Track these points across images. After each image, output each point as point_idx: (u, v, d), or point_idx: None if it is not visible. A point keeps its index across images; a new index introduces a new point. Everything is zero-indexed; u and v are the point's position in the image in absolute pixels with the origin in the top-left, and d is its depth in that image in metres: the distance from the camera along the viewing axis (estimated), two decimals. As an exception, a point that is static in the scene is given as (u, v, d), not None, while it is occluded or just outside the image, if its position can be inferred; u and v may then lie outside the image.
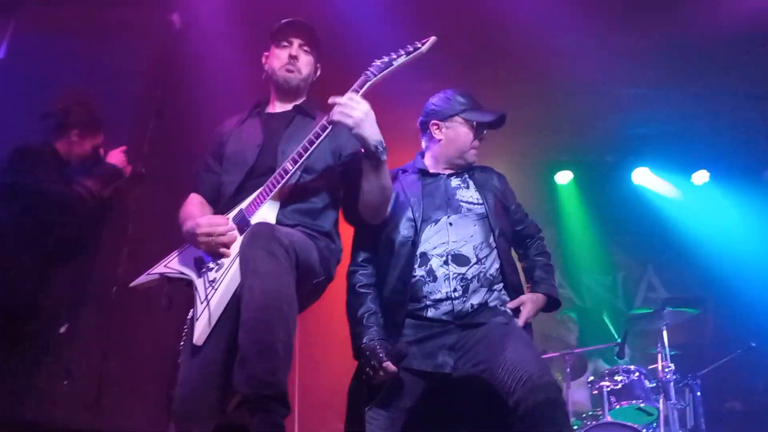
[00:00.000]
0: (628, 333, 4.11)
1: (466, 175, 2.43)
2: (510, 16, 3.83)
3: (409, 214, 2.25)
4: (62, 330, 3.01)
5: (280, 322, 1.66)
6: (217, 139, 2.29)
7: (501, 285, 2.23)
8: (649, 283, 5.71)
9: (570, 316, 4.91)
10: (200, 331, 1.88)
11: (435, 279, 2.16)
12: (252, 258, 1.72)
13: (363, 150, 1.98)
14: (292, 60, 2.21)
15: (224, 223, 1.97)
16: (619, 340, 4.07)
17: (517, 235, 2.46)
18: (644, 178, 5.68)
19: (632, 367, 3.96)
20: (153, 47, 3.38)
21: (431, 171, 2.40)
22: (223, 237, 1.95)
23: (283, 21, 2.24)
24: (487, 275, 2.20)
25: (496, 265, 2.23)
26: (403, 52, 1.99)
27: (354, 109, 1.91)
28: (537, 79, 4.42)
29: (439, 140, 2.41)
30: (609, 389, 3.90)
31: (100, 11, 3.15)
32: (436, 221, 2.25)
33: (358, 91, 1.97)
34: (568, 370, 4.10)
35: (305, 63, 2.25)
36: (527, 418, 1.85)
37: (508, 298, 2.22)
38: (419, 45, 1.98)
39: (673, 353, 3.95)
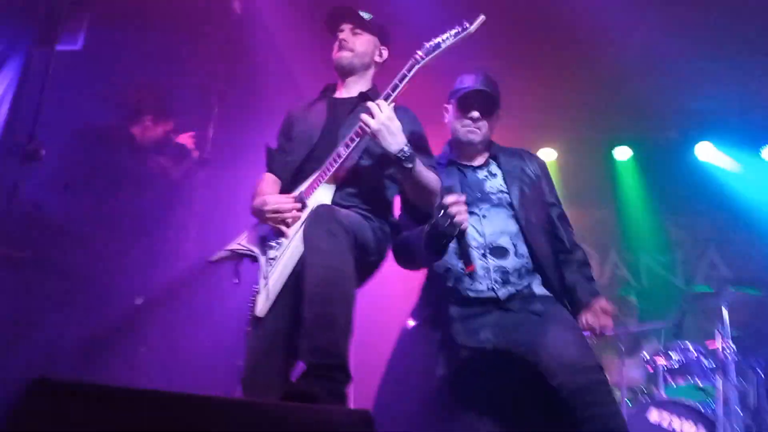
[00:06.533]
0: (687, 312, 4.05)
1: (494, 164, 2.40)
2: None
3: None
4: (138, 302, 3.24)
5: (341, 296, 1.76)
6: (288, 119, 2.39)
7: (537, 275, 2.22)
8: (711, 262, 5.55)
9: (628, 296, 4.85)
10: (260, 305, 2.01)
11: (474, 272, 2.15)
12: (315, 237, 1.83)
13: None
14: (342, 43, 2.28)
15: (290, 202, 2.09)
16: (676, 319, 4.01)
17: (558, 240, 2.35)
18: (708, 153, 5.47)
19: (690, 346, 3.91)
20: (216, 35, 3.51)
21: (458, 161, 2.41)
22: (287, 214, 2.07)
23: (329, 11, 2.30)
24: (527, 267, 2.20)
25: (529, 256, 2.22)
26: (451, 33, 2.02)
27: (374, 118, 1.96)
28: (594, 55, 4.31)
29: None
30: (665, 367, 3.87)
31: (166, 1, 3.29)
32: (471, 213, 2.22)
33: (397, 85, 2.03)
34: (623, 347, 4.08)
35: (359, 42, 2.29)
36: (571, 400, 1.89)
37: (544, 290, 2.20)
38: (467, 25, 2.00)
39: (734, 334, 3.86)
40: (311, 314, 1.74)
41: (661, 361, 3.90)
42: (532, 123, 5.20)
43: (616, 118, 5.22)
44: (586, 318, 2.16)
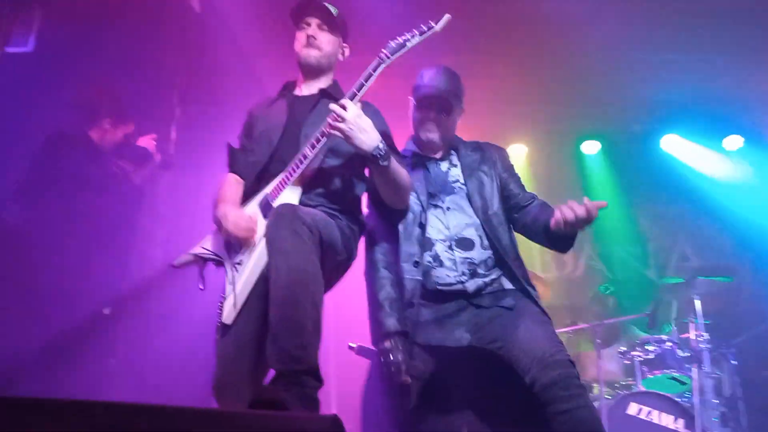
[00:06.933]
0: (660, 303, 4.08)
1: (454, 156, 2.41)
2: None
3: (414, 198, 2.27)
4: (106, 311, 3.12)
5: (308, 299, 1.71)
6: (249, 119, 2.34)
7: (501, 268, 2.21)
8: (682, 252, 5.62)
9: (604, 290, 4.87)
10: (227, 311, 1.96)
11: (441, 264, 2.19)
12: (277, 238, 1.77)
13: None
14: (310, 39, 2.23)
15: (247, 222, 2.01)
16: (650, 311, 4.04)
17: (514, 206, 2.33)
18: (674, 145, 5.55)
19: (664, 337, 3.94)
20: (175, 33, 3.42)
21: (421, 154, 2.40)
22: (244, 234, 2.00)
23: (299, 2, 2.26)
24: (492, 259, 2.20)
25: (492, 249, 2.21)
26: (416, 32, 2.00)
27: (342, 121, 1.91)
28: (559, 47, 4.32)
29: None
30: (641, 359, 3.89)
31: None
32: (436, 206, 2.27)
33: (363, 84, 1.99)
34: (599, 340, 4.09)
35: (326, 41, 2.25)
36: (543, 394, 1.90)
37: (509, 283, 2.20)
38: (433, 24, 1.99)
39: (707, 322, 3.90)
40: (277, 318, 1.68)
41: (637, 353, 3.92)
42: (501, 120, 5.21)
43: (583, 113, 5.26)
44: (559, 212, 2.02)
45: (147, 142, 3.04)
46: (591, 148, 5.72)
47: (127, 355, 3.21)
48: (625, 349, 4.07)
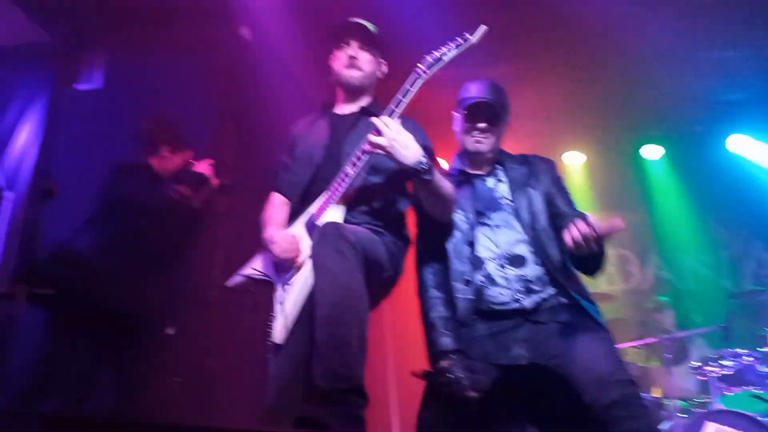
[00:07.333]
0: (737, 314, 3.84)
1: (501, 171, 2.34)
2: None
3: (462, 216, 2.23)
4: (171, 332, 3.23)
5: (352, 316, 1.72)
6: (291, 139, 2.38)
7: (554, 284, 2.14)
8: (759, 259, 5.27)
9: (665, 300, 4.64)
10: (278, 330, 1.98)
11: (494, 282, 2.14)
12: (322, 257, 1.80)
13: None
14: (351, 60, 2.25)
15: (290, 243, 2.04)
16: (725, 323, 3.80)
17: (559, 226, 2.19)
18: (741, 145, 5.22)
19: (742, 351, 3.69)
20: (228, 62, 3.56)
21: (467, 171, 2.36)
22: (289, 255, 2.04)
23: (339, 23, 2.30)
24: (546, 275, 2.14)
25: (544, 265, 2.15)
26: (453, 45, 1.99)
27: (383, 136, 1.92)
28: (613, 49, 4.16)
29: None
30: (717, 375, 3.66)
31: (175, 31, 3.35)
32: (484, 224, 2.22)
33: (400, 100, 2.00)
34: (668, 355, 3.88)
35: (366, 61, 2.28)
36: (604, 415, 1.84)
37: (564, 299, 2.12)
38: (469, 36, 1.97)
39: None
40: (322, 337, 1.70)
41: (711, 368, 3.68)
42: (557, 128, 5.09)
43: (642, 116, 5.05)
44: (567, 234, 1.92)
45: (204, 167, 3.15)
46: (653, 152, 5.47)
47: (192, 375, 3.30)
48: (698, 363, 3.84)
